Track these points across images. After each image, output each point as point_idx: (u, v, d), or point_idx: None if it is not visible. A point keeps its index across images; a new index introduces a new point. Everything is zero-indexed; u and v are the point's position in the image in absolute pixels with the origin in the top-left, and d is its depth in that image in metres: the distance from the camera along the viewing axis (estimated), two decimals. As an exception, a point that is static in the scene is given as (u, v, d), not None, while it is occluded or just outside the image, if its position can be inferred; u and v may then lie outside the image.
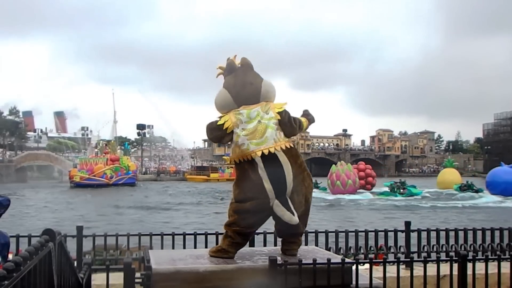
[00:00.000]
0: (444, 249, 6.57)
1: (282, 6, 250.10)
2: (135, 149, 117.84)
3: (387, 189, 48.18)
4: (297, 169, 4.35)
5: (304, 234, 6.16)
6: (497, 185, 44.12)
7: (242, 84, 4.47)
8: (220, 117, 4.48)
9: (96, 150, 74.05)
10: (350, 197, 43.35)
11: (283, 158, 4.27)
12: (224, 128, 4.38)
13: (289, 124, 4.49)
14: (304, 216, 4.46)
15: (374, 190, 49.64)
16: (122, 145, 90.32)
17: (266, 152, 4.26)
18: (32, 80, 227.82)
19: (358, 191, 46.99)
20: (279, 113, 4.44)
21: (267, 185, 4.21)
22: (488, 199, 41.93)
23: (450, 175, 53.47)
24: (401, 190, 46.40)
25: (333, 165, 49.25)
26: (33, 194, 50.39)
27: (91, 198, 45.15)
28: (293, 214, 4.22)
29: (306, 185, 4.45)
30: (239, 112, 4.39)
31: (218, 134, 4.46)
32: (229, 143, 4.52)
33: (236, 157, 4.37)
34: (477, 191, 47.91)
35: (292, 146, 4.44)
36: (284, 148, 4.35)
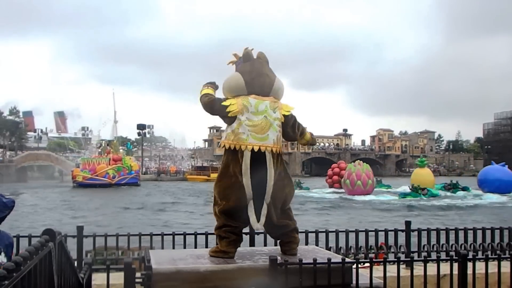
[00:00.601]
0: (444, 248, 6.56)
1: (283, 6, 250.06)
2: (135, 149, 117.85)
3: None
4: (279, 176, 4.35)
5: (304, 233, 6.20)
6: (490, 183, 44.70)
7: (259, 73, 4.45)
8: (226, 99, 4.43)
9: (99, 150, 74.17)
10: (376, 198, 42.87)
11: (270, 162, 4.25)
12: (227, 111, 4.32)
13: (291, 129, 4.52)
14: (284, 216, 4.49)
15: (397, 190, 49.81)
16: (125, 145, 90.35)
17: (262, 149, 4.24)
18: (33, 80, 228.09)
19: (374, 191, 46.45)
20: (285, 116, 4.45)
21: (246, 180, 4.18)
22: (493, 198, 41.71)
23: (424, 174, 53.89)
24: (422, 191, 46.10)
25: (351, 165, 48.26)
26: (35, 194, 50.30)
27: (93, 198, 45.14)
28: (258, 220, 4.21)
29: (286, 191, 4.47)
30: (248, 100, 4.32)
31: (218, 111, 4.41)
32: (223, 128, 4.56)
33: (228, 143, 4.32)
34: (463, 189, 48.54)
35: (283, 152, 4.47)
36: (278, 152, 4.37)
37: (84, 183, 63.97)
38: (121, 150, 77.22)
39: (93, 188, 60.11)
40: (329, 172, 53.94)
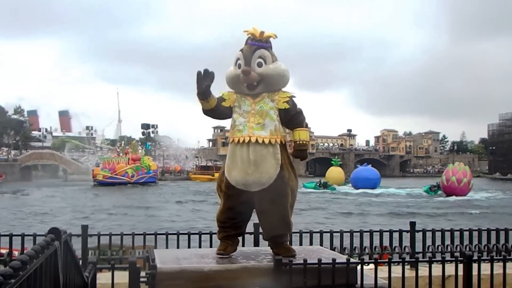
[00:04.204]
0: (449, 249, 6.54)
1: (287, 6, 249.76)
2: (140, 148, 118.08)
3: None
4: None
5: (309, 233, 6.21)
6: (360, 181, 55.55)
7: None
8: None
9: (118, 149, 75.31)
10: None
11: None
12: None
13: None
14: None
15: None
16: (144, 145, 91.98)
17: None
18: (39, 80, 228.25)
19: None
20: None
21: None
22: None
23: (336, 173, 63.17)
24: None
25: (451, 165, 50.50)
26: (50, 192, 50.48)
27: (106, 197, 45.52)
28: None
29: None
30: None
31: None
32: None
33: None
34: (327, 187, 55.82)
35: None
36: None
37: (104, 181, 65.46)
38: (140, 150, 78.63)
39: (113, 186, 61.49)
40: None
